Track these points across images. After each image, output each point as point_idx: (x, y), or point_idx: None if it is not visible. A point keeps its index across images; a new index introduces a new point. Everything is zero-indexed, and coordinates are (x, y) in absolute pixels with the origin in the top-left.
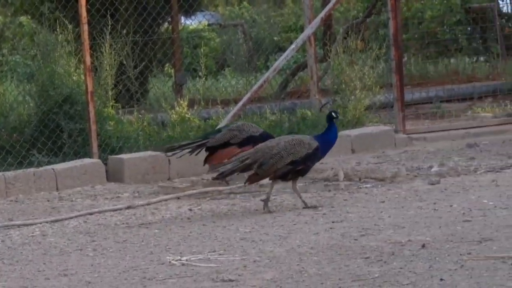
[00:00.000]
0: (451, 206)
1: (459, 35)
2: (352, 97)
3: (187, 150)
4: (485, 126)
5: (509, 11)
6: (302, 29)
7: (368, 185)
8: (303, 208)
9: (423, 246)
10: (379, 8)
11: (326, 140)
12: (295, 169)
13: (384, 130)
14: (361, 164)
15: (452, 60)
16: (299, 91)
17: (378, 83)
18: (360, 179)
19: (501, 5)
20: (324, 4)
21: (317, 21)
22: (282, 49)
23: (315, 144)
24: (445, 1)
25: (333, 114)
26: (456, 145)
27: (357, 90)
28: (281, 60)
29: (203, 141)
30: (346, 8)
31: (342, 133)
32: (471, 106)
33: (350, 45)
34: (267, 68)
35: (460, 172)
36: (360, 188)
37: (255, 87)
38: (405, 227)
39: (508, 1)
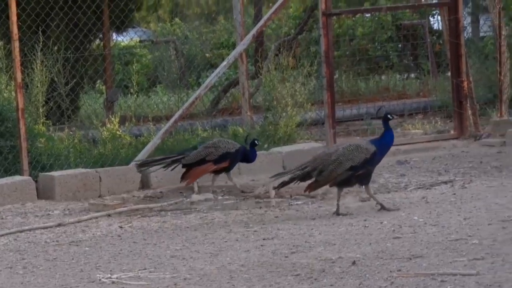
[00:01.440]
0: (381, 223)
1: (390, 52)
2: (284, 114)
3: (162, 165)
4: (415, 143)
5: (440, 28)
6: (234, 46)
7: (299, 202)
8: (378, 210)
9: (354, 263)
10: (311, 25)
11: (384, 144)
12: (355, 174)
13: (315, 147)
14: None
15: (383, 77)
16: (231, 108)
17: (310, 100)
18: (291, 196)
19: (431, 22)
20: (255, 21)
21: (248, 38)
22: (214, 66)
23: (372, 148)
24: (376, 18)
25: (388, 116)
26: (386, 162)
27: (288, 107)
28: (213, 77)
29: (178, 157)
30: (277, 25)
31: (273, 149)
32: (402, 123)
33: (281, 62)
34: (199, 85)
35: (391, 189)
36: (291, 205)
37: (186, 104)
38: (335, 244)
39: (439, 18)
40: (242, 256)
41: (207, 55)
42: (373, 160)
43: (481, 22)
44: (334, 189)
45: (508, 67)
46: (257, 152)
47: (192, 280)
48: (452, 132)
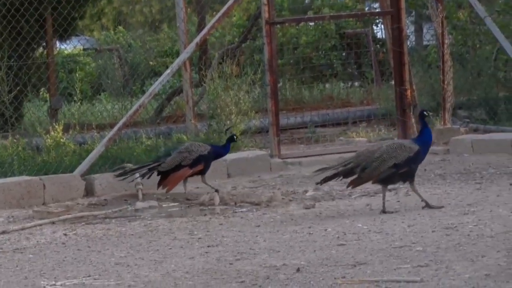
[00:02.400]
0: (325, 230)
1: (334, 61)
2: (228, 121)
3: (139, 174)
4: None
5: (383, 37)
6: (177, 54)
7: (243, 209)
8: (423, 207)
9: (298, 270)
10: (254, 34)
11: (425, 142)
12: (398, 172)
13: (260, 155)
14: (236, 189)
15: (327, 85)
16: (175, 115)
17: (254, 108)
18: (235, 204)
19: (375, 31)
20: (199, 29)
21: (192, 46)
22: (157, 74)
23: (416, 147)
24: (320, 27)
25: (424, 113)
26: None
27: (232, 115)
28: (157, 85)
29: (154, 165)
30: (221, 33)
31: None
32: (346, 131)
33: (225, 70)
34: (143, 92)
35: (335, 196)
36: (236, 212)
37: (130, 112)
38: (280, 251)
39: (382, 27)
40: (187, 263)
41: (151, 63)
42: (416, 159)
43: (424, 30)
44: (278, 197)
45: (451, 76)
46: None
47: (137, 287)
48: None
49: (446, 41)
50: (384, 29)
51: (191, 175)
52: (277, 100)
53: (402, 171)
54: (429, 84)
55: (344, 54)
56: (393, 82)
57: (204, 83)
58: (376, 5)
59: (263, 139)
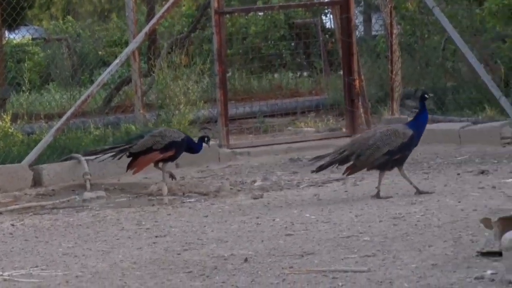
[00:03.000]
0: (273, 220)
1: (283, 50)
2: (177, 111)
3: (110, 154)
4: (308, 140)
5: (332, 26)
6: (126, 44)
7: (192, 200)
8: (415, 193)
9: (246, 260)
10: (204, 23)
11: (419, 125)
12: (392, 159)
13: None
14: (185, 179)
15: (276, 75)
16: (124, 105)
17: (203, 97)
18: (184, 194)
19: (324, 21)
20: (148, 19)
21: (141, 35)
22: (106, 64)
23: (409, 132)
24: (269, 17)
25: (425, 95)
26: (279, 160)
27: (181, 104)
28: (105, 75)
29: (125, 146)
30: (170, 23)
31: None
32: (294, 121)
33: (174, 60)
34: (92, 82)
35: (283, 186)
36: (184, 202)
37: (79, 102)
38: (228, 241)
39: (331, 17)
40: (135, 253)
41: (99, 53)
42: (410, 144)
43: (373, 21)
44: (227, 187)
45: (399, 66)
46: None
47: (84, 278)
48: (344, 130)
49: (395, 31)
50: (333, 19)
51: (161, 160)
52: (226, 90)
53: (396, 158)
54: (377, 74)
55: (293, 44)
56: (341, 72)
57: (153, 73)
58: None
59: (212, 129)
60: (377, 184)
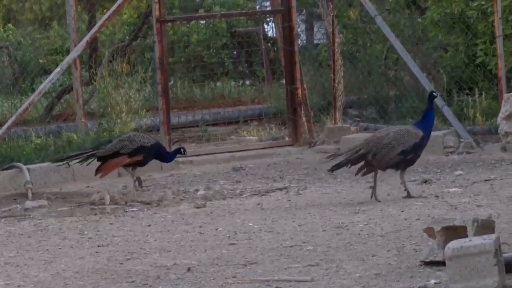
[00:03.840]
0: (216, 229)
1: (225, 59)
2: (118, 120)
3: (77, 160)
4: (250, 149)
5: (274, 35)
6: (68, 52)
7: (134, 209)
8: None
9: (189, 269)
10: (145, 32)
11: (428, 126)
12: (405, 159)
13: None
14: (127, 188)
15: (218, 84)
16: (65, 114)
17: (145, 106)
18: (126, 203)
19: (266, 29)
20: (89, 27)
21: (82, 44)
22: (48, 72)
23: (421, 133)
24: (211, 25)
25: (434, 93)
26: (222, 169)
27: (123, 113)
28: (47, 83)
29: (93, 152)
30: (112, 31)
31: None
32: (237, 130)
33: (116, 68)
34: (33, 91)
35: (226, 195)
36: (127, 211)
37: (20, 110)
38: (171, 251)
39: (273, 26)
40: (77, 263)
41: (40, 61)
42: (422, 144)
43: (315, 29)
44: (169, 196)
45: (341, 75)
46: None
47: (27, 287)
48: (287, 139)
49: (337, 40)
50: (275, 27)
51: (129, 164)
52: (168, 99)
53: (409, 157)
54: (320, 83)
55: (235, 52)
56: (284, 81)
57: (95, 81)
58: (267, 3)
59: (154, 137)
60: (403, 186)
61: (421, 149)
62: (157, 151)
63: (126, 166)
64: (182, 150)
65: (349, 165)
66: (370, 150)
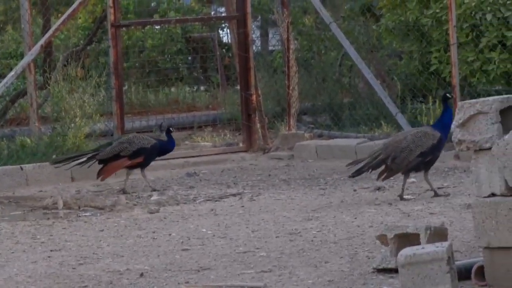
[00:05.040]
0: (170, 235)
1: (180, 64)
2: (72, 124)
3: (77, 162)
4: (204, 155)
5: (229, 41)
6: (22, 56)
7: (87, 214)
8: (432, 197)
9: (142, 275)
10: (100, 36)
11: (445, 126)
12: (425, 161)
13: None
14: (81, 193)
15: (172, 89)
16: (19, 118)
17: (99, 111)
18: (79, 208)
19: (221, 35)
20: (44, 31)
21: (36, 48)
22: (1, 76)
23: (438, 134)
24: (166, 30)
25: (447, 95)
26: (176, 174)
27: (77, 118)
28: (0, 87)
29: (93, 154)
30: (66, 35)
31: None
32: (191, 135)
33: (70, 73)
34: None
35: (180, 201)
36: (80, 216)
37: None
38: (124, 256)
39: (228, 31)
40: (30, 267)
41: None
42: (440, 146)
43: (270, 35)
44: (123, 201)
45: (296, 81)
46: (47, 163)
47: None
48: (241, 145)
49: (292, 46)
50: (230, 33)
51: (130, 167)
52: (122, 104)
53: (428, 159)
54: (274, 89)
55: (190, 58)
56: (238, 87)
57: (49, 85)
58: (223, 9)
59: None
60: (430, 187)
61: (439, 150)
62: (159, 150)
63: (126, 168)
64: (170, 128)
65: (370, 170)
66: (389, 154)
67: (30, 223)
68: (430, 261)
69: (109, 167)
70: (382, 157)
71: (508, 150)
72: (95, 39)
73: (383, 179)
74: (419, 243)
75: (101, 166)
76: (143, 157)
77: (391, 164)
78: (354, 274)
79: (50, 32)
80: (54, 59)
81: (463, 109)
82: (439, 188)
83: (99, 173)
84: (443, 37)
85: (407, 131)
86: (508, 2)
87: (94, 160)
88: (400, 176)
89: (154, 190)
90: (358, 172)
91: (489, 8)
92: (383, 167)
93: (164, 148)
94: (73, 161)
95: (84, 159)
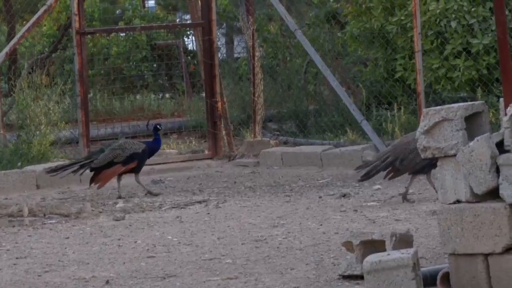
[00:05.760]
0: (135, 242)
1: (145, 72)
2: (37, 132)
3: (71, 170)
4: (170, 162)
5: (195, 48)
6: None
7: (53, 221)
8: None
9: (107, 282)
10: (65, 44)
11: None
12: (431, 163)
13: None
14: (46, 200)
15: (138, 97)
16: None
17: (64, 118)
18: (45, 215)
19: (186, 43)
20: (9, 39)
21: (1, 55)
22: None
23: None
24: (131, 38)
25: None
26: (141, 181)
27: (42, 125)
28: None
29: (86, 161)
30: (31, 42)
31: (26, 168)
32: None
33: (35, 80)
34: None
35: (145, 208)
36: (45, 224)
37: None
38: (89, 263)
39: (193, 39)
40: None
41: None
42: None
43: (235, 43)
44: (88, 209)
45: (261, 88)
46: (11, 171)
47: None
48: (206, 152)
49: (257, 53)
50: (195, 40)
51: (124, 172)
52: (87, 111)
53: (435, 161)
54: (240, 96)
55: (155, 65)
56: (204, 94)
57: (14, 93)
58: (188, 16)
59: (73, 150)
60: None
61: None
62: (149, 152)
63: (121, 174)
64: (158, 126)
65: (379, 172)
66: (398, 156)
67: None
68: (395, 268)
69: (104, 174)
70: (391, 159)
71: (473, 157)
72: (60, 46)
73: (390, 179)
74: (384, 250)
75: (92, 173)
76: (136, 162)
77: (399, 165)
78: (320, 281)
79: (15, 39)
80: (19, 67)
81: (428, 116)
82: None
83: (92, 181)
84: (408, 44)
85: (415, 133)
86: (472, 9)
87: (87, 168)
88: (365, 184)
89: (150, 193)
90: (367, 175)
91: (453, 16)
92: (391, 168)
93: (152, 149)
94: (66, 169)
95: (77, 166)
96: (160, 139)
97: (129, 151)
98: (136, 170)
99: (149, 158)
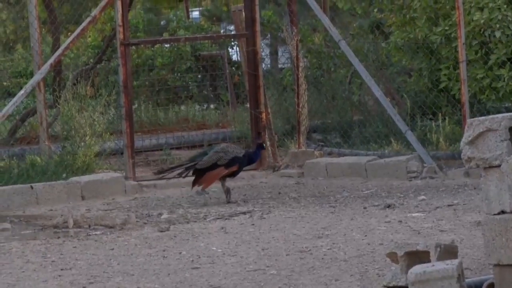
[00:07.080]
0: (180, 253)
1: (190, 83)
2: (82, 143)
3: (177, 171)
4: None
5: (239, 59)
6: (32, 75)
7: (97, 232)
8: None
9: None
10: (109, 55)
11: None
12: None
13: (114, 177)
14: (91, 211)
15: (182, 107)
16: (29, 137)
17: (108, 129)
18: (90, 226)
19: (230, 53)
20: (53, 50)
21: (46, 66)
22: (11, 95)
23: None
24: (175, 49)
25: None
26: (185, 192)
27: (87, 136)
28: (10, 106)
29: (191, 164)
30: (76, 54)
31: (72, 179)
32: None
33: (80, 91)
34: None
35: (190, 219)
36: (90, 235)
37: None
38: (134, 275)
39: (237, 50)
40: (40, 286)
41: (4, 83)
42: None
43: (279, 53)
44: (133, 220)
45: (306, 99)
46: (56, 182)
47: None
48: None
49: (301, 64)
50: (239, 51)
51: (226, 175)
52: (132, 122)
53: None
54: (284, 107)
55: (199, 76)
56: (248, 105)
57: (58, 104)
58: (232, 27)
59: (118, 161)
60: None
61: None
62: (248, 159)
63: (222, 177)
64: (263, 145)
65: None
66: None
67: (40, 242)
68: (440, 279)
69: (208, 176)
70: None
71: None
72: (104, 57)
73: None
74: (429, 261)
75: (195, 176)
76: (237, 165)
77: None
78: None
79: (60, 50)
80: (63, 78)
81: (472, 126)
82: (449, 205)
83: (195, 183)
84: (452, 55)
85: None
86: None
87: (191, 170)
88: (410, 194)
89: (230, 202)
90: None
91: (498, 26)
92: None
93: (250, 157)
94: (173, 171)
95: (183, 168)
96: (260, 154)
97: (232, 154)
98: (235, 174)
99: (246, 166)
